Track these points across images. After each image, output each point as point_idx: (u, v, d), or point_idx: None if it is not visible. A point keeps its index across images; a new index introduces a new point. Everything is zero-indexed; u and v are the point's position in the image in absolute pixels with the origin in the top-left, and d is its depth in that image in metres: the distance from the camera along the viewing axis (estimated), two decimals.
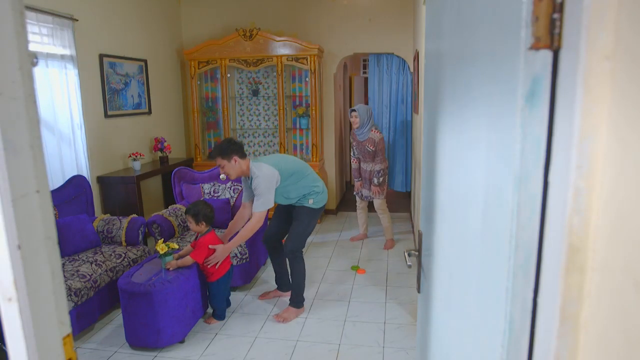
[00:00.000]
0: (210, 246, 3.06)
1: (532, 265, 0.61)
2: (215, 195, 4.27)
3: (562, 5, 0.53)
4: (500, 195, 0.68)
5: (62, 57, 3.73)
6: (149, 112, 5.06)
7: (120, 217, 3.79)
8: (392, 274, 4.02)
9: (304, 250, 3.36)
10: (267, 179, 2.99)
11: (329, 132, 5.83)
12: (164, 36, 5.39)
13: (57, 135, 3.75)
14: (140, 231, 3.71)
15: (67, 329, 0.73)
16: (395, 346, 2.88)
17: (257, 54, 5.26)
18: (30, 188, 0.65)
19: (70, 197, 3.69)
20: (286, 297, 3.51)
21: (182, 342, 2.96)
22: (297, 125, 5.62)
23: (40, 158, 0.67)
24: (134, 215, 3.82)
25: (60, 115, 3.75)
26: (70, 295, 2.86)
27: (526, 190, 0.60)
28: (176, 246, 3.07)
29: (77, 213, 3.69)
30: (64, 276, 2.97)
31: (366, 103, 7.05)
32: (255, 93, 5.71)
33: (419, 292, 1.61)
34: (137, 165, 4.48)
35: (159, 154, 5.00)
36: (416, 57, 4.38)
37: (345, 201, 6.60)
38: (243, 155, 3.04)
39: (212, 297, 3.22)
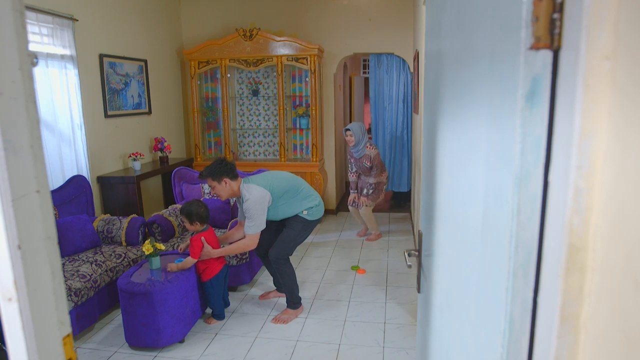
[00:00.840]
0: (202, 238, 3.05)
1: (532, 265, 0.61)
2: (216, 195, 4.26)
3: (562, 5, 0.53)
4: (500, 195, 0.68)
5: (62, 57, 3.73)
6: (149, 112, 5.06)
7: (120, 217, 3.79)
8: (392, 274, 4.02)
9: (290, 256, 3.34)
10: (257, 202, 2.96)
11: (329, 132, 5.84)
12: (164, 36, 5.39)
13: (57, 135, 3.75)
14: (140, 231, 3.71)
15: (67, 329, 0.73)
16: (395, 346, 2.88)
17: (257, 54, 5.26)
18: (30, 188, 0.65)
19: (70, 197, 3.69)
20: (284, 297, 3.51)
21: (181, 342, 2.97)
22: (297, 125, 5.62)
23: (40, 158, 0.67)
24: (134, 215, 3.82)
25: (60, 115, 3.75)
26: (70, 295, 2.86)
27: (526, 190, 0.60)
28: (162, 247, 3.05)
29: (77, 213, 3.69)
30: (64, 276, 2.97)
31: (366, 103, 7.05)
32: (255, 93, 5.71)
33: (419, 292, 1.61)
34: (137, 165, 4.48)
35: (159, 154, 5.00)
36: (416, 57, 4.38)
37: (345, 201, 6.60)
38: (234, 176, 3.02)
39: (207, 297, 3.22)
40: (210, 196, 4.27)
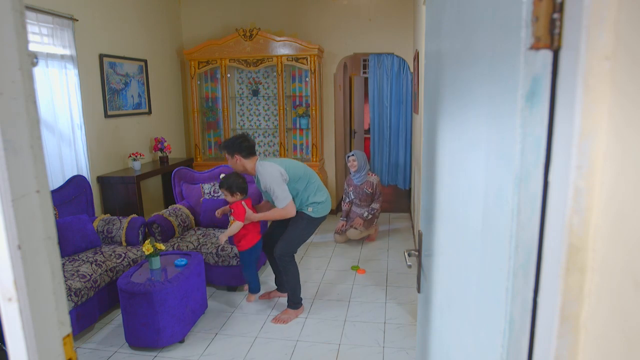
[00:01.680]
0: (243, 202, 3.21)
1: (532, 265, 0.61)
2: (216, 195, 4.26)
3: (562, 5, 0.53)
4: (500, 195, 0.68)
5: (62, 57, 3.73)
6: (149, 112, 5.06)
7: (120, 217, 3.79)
8: (392, 274, 4.02)
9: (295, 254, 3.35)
10: (271, 176, 3.01)
11: (329, 132, 5.83)
12: (164, 36, 5.38)
13: (57, 135, 3.75)
14: (140, 231, 3.71)
15: (67, 329, 0.73)
16: (395, 346, 2.88)
17: (257, 54, 5.26)
18: (30, 188, 0.65)
19: (70, 197, 3.69)
20: (285, 297, 3.51)
21: (181, 342, 2.97)
22: (297, 125, 5.62)
23: (40, 158, 0.67)
24: (134, 215, 3.82)
25: (60, 115, 3.75)
26: (70, 295, 2.86)
27: (526, 190, 0.60)
28: (162, 247, 3.06)
29: (77, 213, 3.69)
30: (64, 276, 2.97)
31: (366, 103, 7.06)
32: (255, 93, 5.71)
33: (419, 292, 1.61)
34: (137, 165, 4.48)
35: (159, 154, 5.00)
36: (416, 57, 4.38)
37: None
38: (248, 154, 3.09)
39: (243, 269, 3.37)
40: (209, 196, 4.27)
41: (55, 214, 3.52)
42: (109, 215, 3.87)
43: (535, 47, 0.56)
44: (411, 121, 6.06)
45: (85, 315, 2.99)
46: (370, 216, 4.72)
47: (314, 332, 3.08)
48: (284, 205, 3.06)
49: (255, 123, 5.88)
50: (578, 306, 0.54)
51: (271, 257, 3.49)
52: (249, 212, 3.20)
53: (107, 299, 3.27)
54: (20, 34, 0.63)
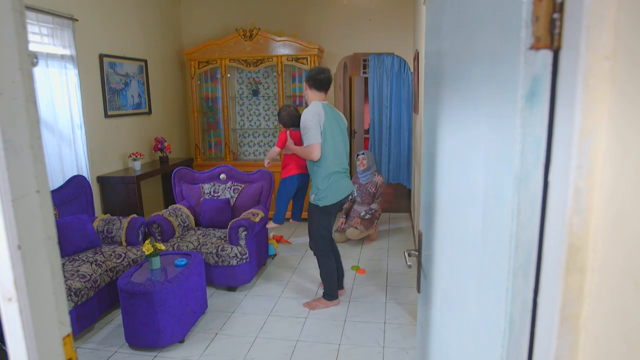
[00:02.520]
0: (287, 132, 3.33)
1: (532, 265, 0.61)
2: (215, 195, 4.27)
3: (562, 5, 0.53)
4: (500, 195, 0.68)
5: (62, 57, 3.73)
6: (149, 112, 5.06)
7: (120, 217, 3.79)
8: (392, 274, 4.02)
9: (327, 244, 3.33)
10: (308, 113, 3.06)
11: None
12: (164, 36, 5.38)
13: (57, 135, 3.75)
14: (140, 231, 3.71)
15: (67, 329, 0.73)
16: (395, 346, 2.88)
17: (257, 54, 5.26)
18: (30, 188, 0.65)
19: (70, 197, 3.69)
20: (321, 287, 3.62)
21: (181, 342, 2.97)
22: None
23: (40, 158, 0.67)
24: (134, 215, 3.82)
25: (60, 115, 3.75)
26: (70, 295, 2.86)
27: (526, 190, 0.60)
28: (162, 247, 3.06)
29: (77, 213, 3.69)
30: (64, 276, 2.97)
31: (366, 103, 7.06)
32: (255, 93, 5.72)
33: (419, 292, 1.61)
34: (137, 165, 4.48)
35: (159, 154, 5.00)
36: (416, 57, 4.38)
37: None
38: (313, 87, 3.16)
39: (277, 196, 3.44)
40: (209, 196, 4.27)
41: (55, 214, 3.52)
42: (109, 215, 3.87)
43: (535, 47, 0.56)
44: (411, 121, 6.06)
45: (85, 315, 2.99)
46: (368, 216, 4.73)
47: (314, 332, 3.08)
48: (307, 144, 3.08)
49: (255, 123, 5.88)
50: (578, 306, 0.54)
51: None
52: (289, 141, 3.29)
53: (107, 299, 3.27)
54: (20, 34, 0.63)
